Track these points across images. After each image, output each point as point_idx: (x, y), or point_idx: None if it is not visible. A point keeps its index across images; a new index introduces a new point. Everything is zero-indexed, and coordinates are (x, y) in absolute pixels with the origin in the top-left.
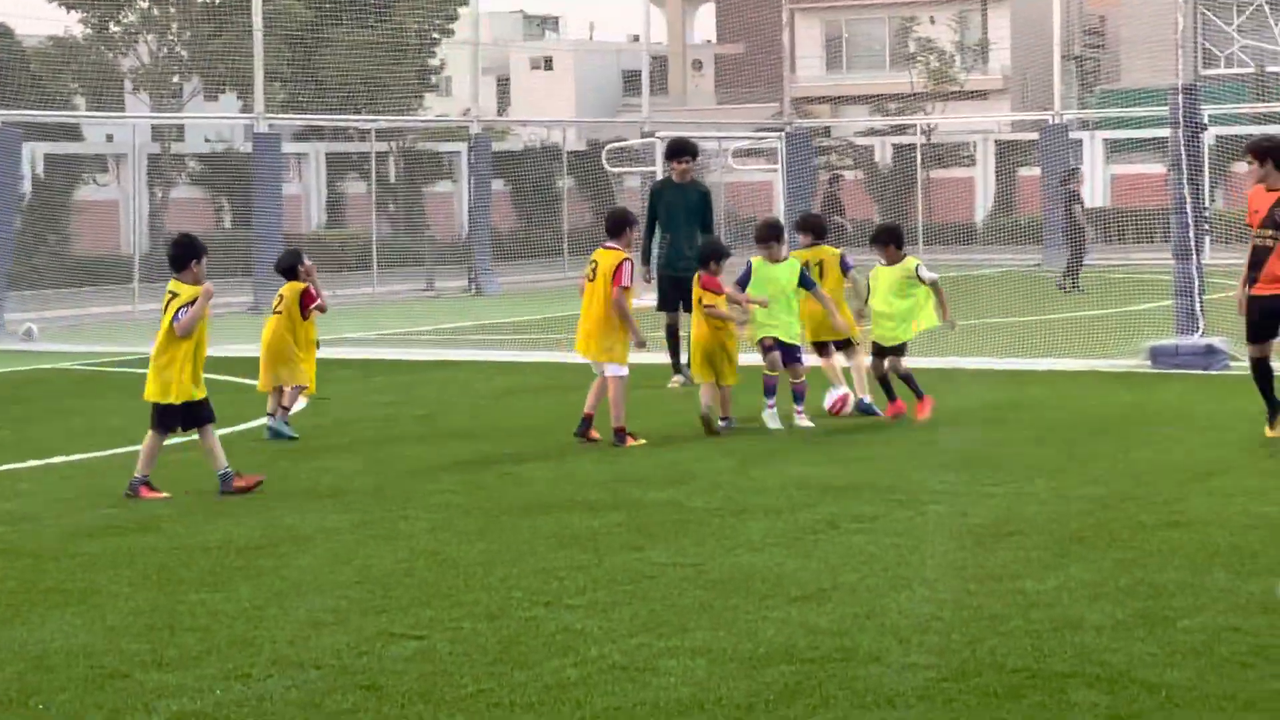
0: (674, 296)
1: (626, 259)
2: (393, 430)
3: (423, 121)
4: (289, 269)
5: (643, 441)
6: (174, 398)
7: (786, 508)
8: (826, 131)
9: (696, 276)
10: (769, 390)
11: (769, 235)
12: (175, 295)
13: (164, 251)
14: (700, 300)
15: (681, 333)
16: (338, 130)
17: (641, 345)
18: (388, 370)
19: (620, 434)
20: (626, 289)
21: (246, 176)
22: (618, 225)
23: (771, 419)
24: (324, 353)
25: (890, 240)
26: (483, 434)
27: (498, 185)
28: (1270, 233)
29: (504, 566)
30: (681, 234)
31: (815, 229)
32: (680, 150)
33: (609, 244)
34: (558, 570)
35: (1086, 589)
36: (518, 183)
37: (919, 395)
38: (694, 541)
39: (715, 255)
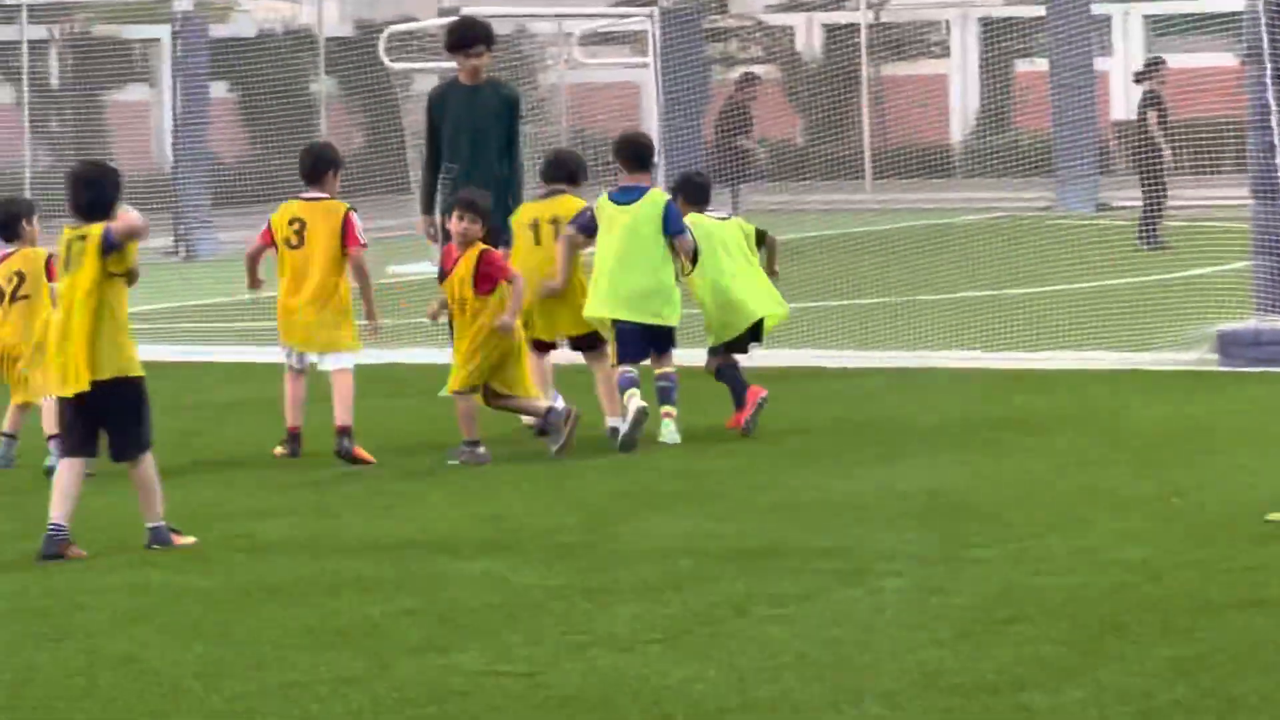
0: None
1: (352, 209)
2: None
3: None
4: (8, 225)
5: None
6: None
7: (668, 583)
8: (722, 6)
9: (476, 255)
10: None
11: (635, 156)
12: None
13: None
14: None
15: None
16: None
17: (375, 331)
18: None
19: (347, 436)
20: (364, 246)
21: None
22: (317, 168)
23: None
24: None
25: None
26: (198, 473)
27: (218, 90)
28: None
29: (234, 680)
30: (476, 164)
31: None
32: (467, 37)
33: (310, 193)
34: (317, 684)
35: (1127, 704)
36: (249, 87)
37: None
38: (527, 638)
39: (474, 209)
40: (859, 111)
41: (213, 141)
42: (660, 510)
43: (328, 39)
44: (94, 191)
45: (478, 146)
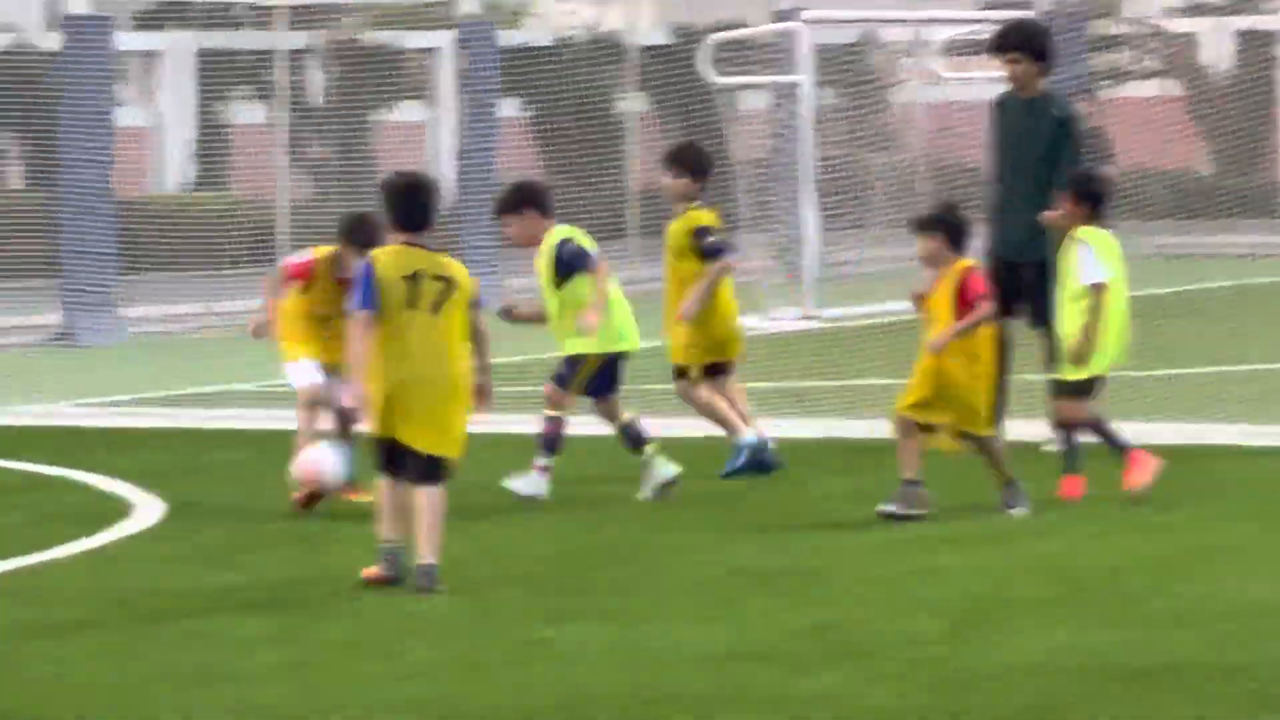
0: (1004, 295)
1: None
2: None
3: None
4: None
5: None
6: None
7: (1046, 707)
8: (1111, 9)
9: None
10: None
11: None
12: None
13: None
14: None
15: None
16: (214, 10)
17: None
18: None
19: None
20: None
21: (50, 94)
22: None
23: None
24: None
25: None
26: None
27: (508, 109)
28: None
29: None
30: (1015, 186)
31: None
32: (997, 40)
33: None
34: None
35: None
36: (545, 104)
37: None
38: None
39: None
40: (1277, 136)
41: (502, 169)
42: (1030, 616)
43: (639, 48)
44: (424, 204)
45: (1017, 167)
